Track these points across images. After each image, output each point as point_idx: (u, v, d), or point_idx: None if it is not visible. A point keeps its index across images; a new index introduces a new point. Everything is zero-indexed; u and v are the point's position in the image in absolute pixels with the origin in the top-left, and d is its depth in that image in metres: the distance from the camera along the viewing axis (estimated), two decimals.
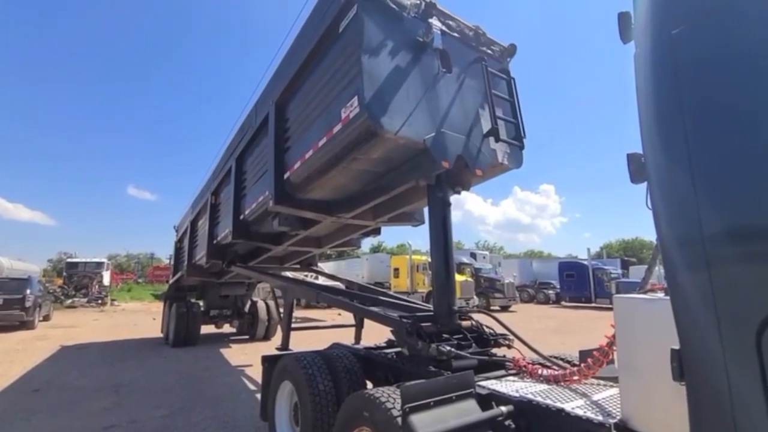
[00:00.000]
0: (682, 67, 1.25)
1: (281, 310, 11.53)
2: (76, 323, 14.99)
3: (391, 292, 6.59)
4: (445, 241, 3.71)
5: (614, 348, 2.31)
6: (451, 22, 3.78)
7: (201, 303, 10.43)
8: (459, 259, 24.14)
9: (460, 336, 3.43)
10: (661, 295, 1.87)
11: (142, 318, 16.74)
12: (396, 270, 21.76)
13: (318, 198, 4.52)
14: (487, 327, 3.64)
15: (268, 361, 4.07)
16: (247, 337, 10.70)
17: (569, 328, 12.56)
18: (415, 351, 3.18)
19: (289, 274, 7.26)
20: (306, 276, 9.89)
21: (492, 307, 19.54)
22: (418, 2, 3.47)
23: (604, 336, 2.38)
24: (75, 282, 25.43)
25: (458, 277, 20.41)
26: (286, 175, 4.31)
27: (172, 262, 11.25)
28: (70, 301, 22.82)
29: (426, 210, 5.37)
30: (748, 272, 1.10)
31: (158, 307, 22.81)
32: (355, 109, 3.10)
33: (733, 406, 1.10)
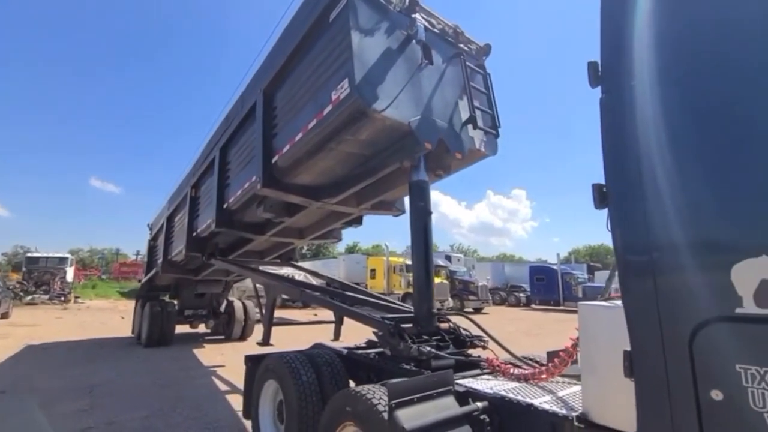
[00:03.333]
0: (638, 113, 1.49)
1: (257, 310, 11.53)
2: (39, 321, 14.36)
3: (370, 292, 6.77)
4: (425, 249, 3.92)
5: (577, 349, 2.57)
6: (432, 20, 4.09)
7: (175, 302, 10.25)
8: (434, 261, 24.61)
9: (439, 337, 3.64)
10: (619, 302, 2.13)
11: (109, 316, 16.18)
12: (373, 271, 21.93)
13: (305, 183, 4.70)
14: (464, 329, 3.88)
15: (251, 361, 4.15)
16: (222, 337, 10.60)
17: (540, 330, 13.09)
18: (396, 351, 3.37)
19: (270, 269, 7.31)
20: (294, 273, 9.92)
21: (465, 309, 20.01)
22: None
23: (569, 338, 2.63)
24: (35, 278, 24.23)
25: (434, 279, 20.84)
26: (274, 160, 4.47)
27: (145, 260, 11.01)
28: (30, 297, 21.74)
29: (407, 200, 5.68)
30: (683, 284, 1.35)
31: (126, 305, 22.14)
32: (345, 91, 3.33)
33: (670, 398, 1.34)
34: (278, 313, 17.57)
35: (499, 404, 2.56)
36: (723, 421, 1.21)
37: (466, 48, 4.46)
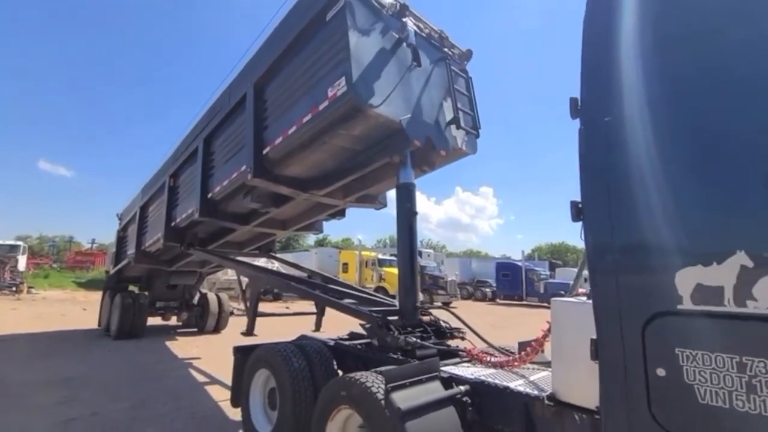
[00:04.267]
0: (611, 142, 1.81)
1: (235, 304, 11.43)
2: None
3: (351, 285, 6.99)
4: (410, 247, 4.20)
5: (546, 340, 2.93)
6: (420, 24, 4.37)
7: (146, 294, 10.05)
8: None
9: (422, 329, 3.94)
10: (584, 299, 2.49)
11: (68, 308, 15.48)
12: (345, 264, 22.12)
13: (294, 174, 4.87)
14: (444, 321, 4.20)
15: (240, 352, 4.30)
16: (195, 329, 10.49)
17: (506, 323, 13.80)
18: (384, 342, 3.63)
19: (245, 260, 7.37)
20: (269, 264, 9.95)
21: (434, 303, 20.62)
22: (395, 3, 4.03)
23: (540, 330, 2.99)
24: None
25: None
26: (265, 151, 4.60)
27: (109, 251, 10.69)
28: None
29: (387, 194, 5.97)
30: (639, 285, 1.69)
31: (85, 296, 21.17)
32: (342, 88, 3.53)
33: (626, 375, 1.68)
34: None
35: (478, 388, 2.89)
36: (665, 393, 1.55)
37: (450, 52, 4.78)
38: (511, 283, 26.17)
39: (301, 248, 39.43)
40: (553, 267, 33.71)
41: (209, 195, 5.83)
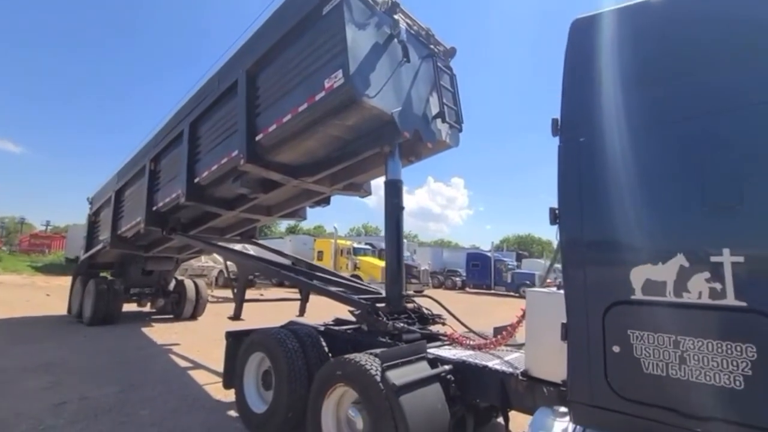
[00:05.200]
0: (584, 159, 2.15)
1: (210, 291, 11.36)
2: None
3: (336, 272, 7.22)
4: (397, 239, 4.49)
5: (520, 325, 3.32)
6: (409, 21, 4.61)
7: (119, 280, 9.88)
8: (380, 245, 25.44)
9: (407, 315, 4.28)
10: (554, 289, 2.87)
11: (30, 293, 14.86)
12: (320, 253, 22.23)
13: (285, 161, 5.04)
14: (426, 308, 4.56)
15: (232, 337, 4.50)
16: (171, 316, 10.42)
17: (476, 310, 14.46)
18: (374, 327, 3.94)
19: (232, 247, 7.44)
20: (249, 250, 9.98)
21: (411, 292, 21.16)
22: (387, 0, 4.24)
23: (515, 316, 3.38)
24: None
25: (380, 263, 21.63)
26: (258, 137, 4.73)
27: (84, 235, 10.39)
28: None
29: (373, 183, 6.25)
30: (602, 278, 2.05)
31: (46, 281, 20.29)
32: (339, 80, 3.73)
33: (589, 352, 2.05)
34: (222, 293, 17.35)
35: (460, 367, 3.26)
36: (618, 365, 1.93)
37: (436, 49, 5.05)
38: (480, 272, 27.17)
39: (274, 235, 39.07)
40: (519, 258, 35.12)
41: (196, 179, 5.86)
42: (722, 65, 1.82)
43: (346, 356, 3.25)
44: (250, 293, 17.44)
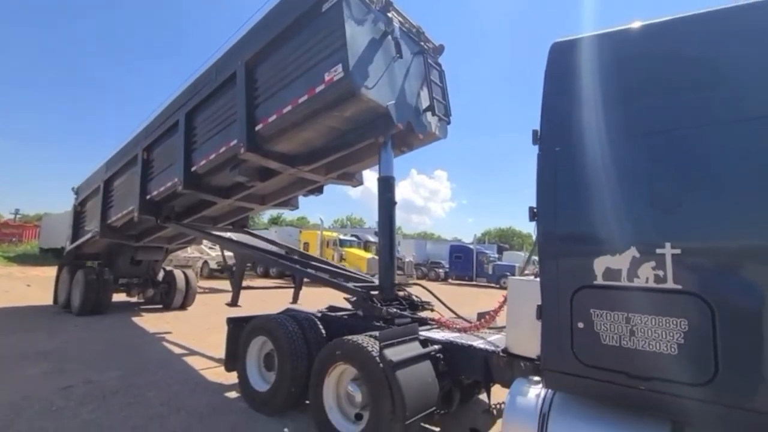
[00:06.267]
0: (558, 166, 2.52)
1: (199, 282, 11.47)
2: None
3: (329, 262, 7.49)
4: (390, 233, 4.82)
5: (501, 310, 3.72)
6: (401, 19, 4.90)
7: (107, 270, 9.90)
8: (365, 237, 25.78)
9: (398, 302, 4.64)
10: (531, 278, 3.26)
11: (8, 284, 14.58)
12: (306, 244, 22.36)
13: (283, 150, 5.32)
14: (416, 296, 4.92)
15: (233, 323, 4.76)
16: (160, 306, 10.52)
17: (460, 300, 14.98)
18: (369, 312, 4.29)
19: (232, 235, 7.62)
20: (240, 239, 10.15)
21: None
22: None
23: (496, 302, 3.77)
24: None
25: (366, 254, 21.98)
26: (257, 128, 4.98)
27: (71, 222, 10.32)
28: None
29: (365, 173, 6.57)
30: (571, 266, 2.44)
31: (23, 272, 19.85)
32: (339, 74, 4.03)
33: (559, 329, 2.44)
34: (207, 284, 17.36)
35: (448, 346, 3.64)
36: (582, 338, 2.32)
37: (426, 46, 5.37)
38: (463, 264, 27.87)
39: (257, 227, 38.83)
40: (500, 250, 36.06)
41: (193, 168, 6.04)
42: (671, 92, 2.20)
43: (345, 337, 3.58)
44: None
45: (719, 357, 1.93)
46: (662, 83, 2.24)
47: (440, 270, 29.93)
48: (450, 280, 28.55)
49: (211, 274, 19.95)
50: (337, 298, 5.44)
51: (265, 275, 22.46)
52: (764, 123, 1.95)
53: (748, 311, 1.92)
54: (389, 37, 4.55)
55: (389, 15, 4.60)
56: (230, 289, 6.26)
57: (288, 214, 53.69)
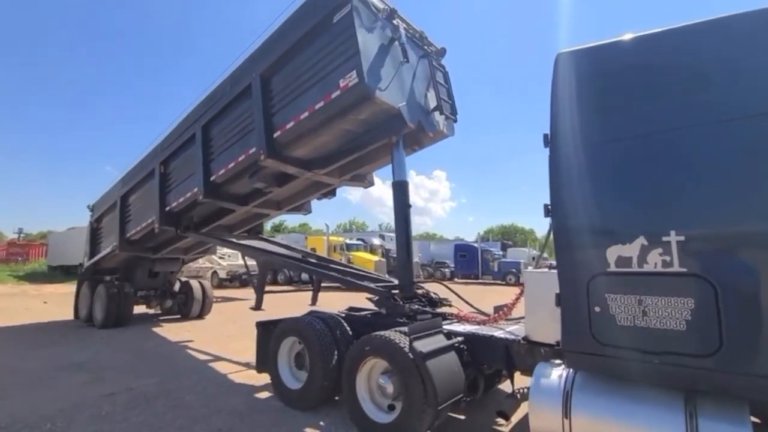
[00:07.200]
0: (569, 166, 2.77)
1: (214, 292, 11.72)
2: None
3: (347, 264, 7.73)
4: (406, 235, 5.07)
5: (517, 303, 3.96)
6: (405, 25, 5.19)
7: (128, 283, 10.15)
8: (370, 240, 26.03)
9: (417, 299, 4.89)
10: (546, 270, 3.51)
11: (26, 301, 14.85)
12: (313, 249, 22.58)
13: (300, 155, 5.62)
14: (434, 293, 5.17)
15: (262, 326, 5.01)
16: (178, 316, 10.78)
17: (469, 298, 15.21)
18: (392, 310, 4.54)
19: (250, 242, 7.88)
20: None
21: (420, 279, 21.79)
22: (387, 7, 4.88)
23: (513, 295, 4.02)
24: None
25: (372, 257, 22.24)
26: (275, 135, 5.27)
27: (87, 239, 10.60)
28: None
29: (374, 174, 6.81)
30: (586, 256, 2.69)
31: (37, 289, 20.13)
32: (354, 80, 4.33)
33: (577, 313, 2.69)
34: (219, 293, 17.62)
35: (470, 338, 3.89)
36: (599, 320, 2.57)
37: (429, 49, 5.65)
38: (468, 263, 28.09)
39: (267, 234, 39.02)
40: (504, 247, 36.25)
41: (212, 177, 6.32)
42: (667, 96, 2.46)
43: (373, 334, 3.83)
44: (243, 293, 17.77)
45: (723, 330, 2.18)
46: (658, 88, 2.50)
47: (446, 269, 30.12)
48: (456, 279, 28.75)
49: (221, 284, 20.22)
50: (349, 300, 5.69)
51: (274, 282, 22.72)
52: (755, 121, 2.20)
53: (747, 289, 2.17)
54: (396, 42, 4.84)
55: (395, 22, 4.88)
56: (242, 297, 6.51)
57: (290, 221, 54.03)
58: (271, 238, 9.29)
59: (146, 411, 4.20)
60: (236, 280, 21.10)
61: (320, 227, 27.09)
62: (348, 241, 23.57)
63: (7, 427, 3.84)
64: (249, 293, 17.43)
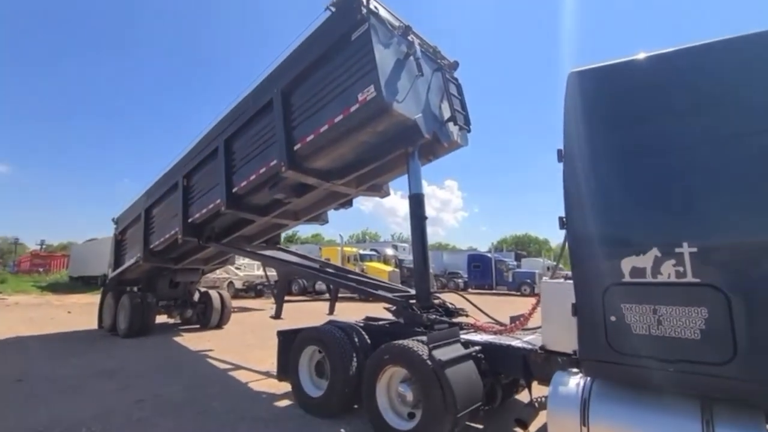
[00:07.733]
0: (582, 180, 2.89)
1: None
2: None
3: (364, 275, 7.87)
4: (422, 246, 5.20)
5: (534, 312, 4.04)
6: (419, 40, 5.38)
7: (150, 294, 10.47)
8: (384, 251, 26.14)
9: (434, 309, 4.99)
10: (562, 280, 3.60)
11: (51, 312, 15.33)
12: (327, 260, 22.80)
13: (319, 166, 5.84)
14: (450, 303, 5.27)
15: (283, 335, 5.17)
16: (197, 326, 11.03)
17: (483, 308, 15.16)
18: (410, 320, 4.65)
19: (269, 253, 8.10)
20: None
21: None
22: (401, 25, 5.10)
23: (529, 305, 4.10)
24: None
25: (386, 268, 22.33)
26: (296, 147, 5.50)
27: (112, 251, 10.99)
28: None
29: (390, 184, 6.99)
30: (601, 267, 2.78)
31: (60, 300, 20.76)
32: (371, 94, 4.53)
33: (593, 323, 2.77)
34: (235, 303, 17.88)
35: (488, 347, 3.98)
36: (615, 329, 2.65)
37: (442, 63, 5.84)
38: (482, 273, 27.92)
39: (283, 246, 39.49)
40: (518, 257, 35.97)
41: (234, 189, 6.59)
42: (676, 115, 2.58)
43: (392, 342, 3.95)
44: (259, 303, 18.01)
45: (737, 338, 2.24)
46: (667, 106, 2.62)
47: (459, 280, 29.99)
48: (470, 290, 28.57)
49: (237, 294, 20.53)
50: (365, 310, 5.81)
51: (288, 292, 22.97)
52: (760, 137, 2.30)
53: (759, 298, 2.24)
54: (411, 57, 5.05)
55: (409, 38, 5.10)
56: (258, 308, 6.67)
57: (303, 232, 54.45)
58: (289, 249, 9.51)
59: (176, 417, 4.37)
60: (252, 290, 21.42)
61: (333, 238, 27.44)
62: (362, 252, 23.74)
63: (46, 429, 4.06)
64: (264, 303, 17.74)
